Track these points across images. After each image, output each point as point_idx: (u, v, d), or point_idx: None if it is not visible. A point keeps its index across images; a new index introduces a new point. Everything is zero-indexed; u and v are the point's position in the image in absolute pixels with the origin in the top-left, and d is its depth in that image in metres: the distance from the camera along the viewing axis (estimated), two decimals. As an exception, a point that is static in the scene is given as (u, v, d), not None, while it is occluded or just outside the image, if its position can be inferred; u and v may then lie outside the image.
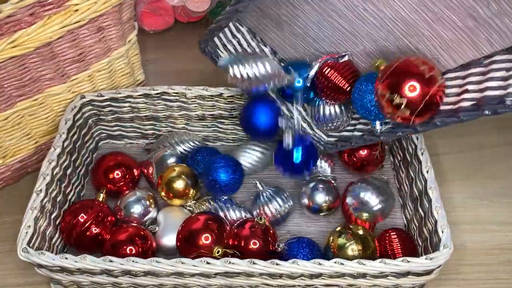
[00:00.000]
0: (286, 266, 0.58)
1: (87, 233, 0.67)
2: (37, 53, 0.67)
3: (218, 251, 0.63)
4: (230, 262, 0.58)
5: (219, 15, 0.69)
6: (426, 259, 0.58)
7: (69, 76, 0.73)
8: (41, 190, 0.65)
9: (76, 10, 0.66)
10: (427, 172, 0.67)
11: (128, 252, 0.65)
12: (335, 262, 0.58)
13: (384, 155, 0.77)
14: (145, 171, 0.77)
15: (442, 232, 0.60)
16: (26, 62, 0.67)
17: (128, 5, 0.74)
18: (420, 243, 0.67)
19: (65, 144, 0.72)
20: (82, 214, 0.67)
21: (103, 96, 0.77)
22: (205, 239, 0.65)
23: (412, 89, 0.59)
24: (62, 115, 0.75)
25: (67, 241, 0.69)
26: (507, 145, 0.83)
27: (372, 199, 0.68)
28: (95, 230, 0.67)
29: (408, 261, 0.58)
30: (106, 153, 0.79)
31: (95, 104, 0.77)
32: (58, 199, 0.69)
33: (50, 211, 0.67)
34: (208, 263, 0.58)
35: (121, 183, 0.75)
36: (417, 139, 0.70)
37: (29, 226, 0.61)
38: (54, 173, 0.68)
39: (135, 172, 0.77)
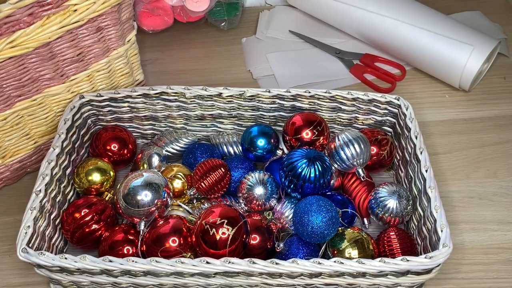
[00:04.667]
0: (286, 266, 0.58)
1: (87, 229, 0.67)
2: (36, 53, 0.67)
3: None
4: (229, 262, 0.58)
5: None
6: (425, 258, 0.58)
7: (68, 76, 0.73)
8: (40, 190, 0.65)
9: (75, 10, 0.66)
10: (426, 171, 0.67)
11: (125, 252, 0.65)
12: (334, 261, 0.58)
13: (393, 156, 0.77)
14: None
15: (442, 231, 0.60)
16: (25, 62, 0.67)
17: (127, 5, 0.74)
18: (420, 242, 0.67)
19: (64, 144, 0.71)
20: (85, 210, 0.68)
21: (102, 96, 0.76)
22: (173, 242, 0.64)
23: None
24: (61, 115, 0.75)
25: (67, 235, 0.68)
26: (506, 144, 0.83)
27: (398, 207, 0.69)
28: (95, 227, 0.67)
29: (408, 260, 0.58)
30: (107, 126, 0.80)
31: (94, 104, 0.77)
32: (57, 199, 0.69)
33: (50, 211, 0.67)
34: (207, 262, 0.58)
35: (117, 156, 0.77)
36: (416, 138, 0.70)
37: (29, 226, 0.61)
38: (53, 173, 0.68)
39: (130, 147, 0.78)
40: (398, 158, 0.77)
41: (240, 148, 0.78)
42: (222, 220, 0.62)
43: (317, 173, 0.68)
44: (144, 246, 0.65)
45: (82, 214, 0.67)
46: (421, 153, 0.69)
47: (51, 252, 0.65)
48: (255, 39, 1.00)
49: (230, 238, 0.61)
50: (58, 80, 0.72)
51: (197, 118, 0.80)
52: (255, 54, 0.97)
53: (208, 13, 0.96)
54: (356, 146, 0.70)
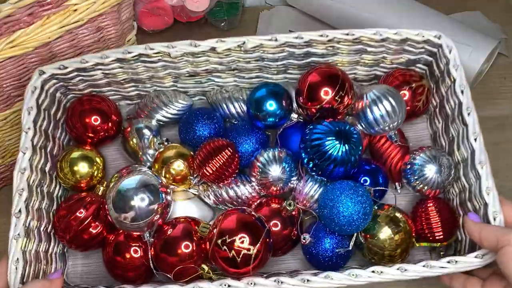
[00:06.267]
0: (319, 282, 0.53)
1: (86, 236, 0.63)
2: (36, 53, 0.67)
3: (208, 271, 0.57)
4: (254, 284, 0.53)
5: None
6: (476, 257, 0.53)
7: (68, 76, 0.73)
8: (20, 211, 0.57)
9: (75, 10, 0.66)
10: (476, 140, 0.57)
11: (133, 254, 0.62)
12: (373, 271, 0.54)
13: (429, 103, 0.67)
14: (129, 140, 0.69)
15: (494, 219, 0.55)
16: (25, 62, 0.67)
17: (127, 5, 0.74)
18: (461, 213, 0.61)
19: (35, 140, 0.62)
20: (79, 212, 0.63)
21: (67, 67, 0.65)
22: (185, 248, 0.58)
23: None
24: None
25: (63, 241, 0.65)
26: (506, 144, 0.83)
27: (437, 178, 0.62)
28: (94, 231, 0.63)
29: (456, 262, 0.53)
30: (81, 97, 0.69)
31: (59, 77, 0.67)
32: (43, 206, 0.63)
33: (37, 226, 0.60)
34: (229, 286, 0.53)
35: (101, 133, 0.68)
36: (462, 93, 0.60)
37: (17, 259, 0.55)
38: (31, 182, 0.60)
39: (114, 118, 0.69)
40: (435, 104, 0.67)
41: (245, 107, 0.67)
42: (242, 239, 0.54)
43: (349, 154, 0.58)
44: (153, 251, 0.60)
45: (77, 219, 0.62)
46: (468, 114, 0.59)
47: (51, 264, 0.62)
48: (255, 39, 1.00)
49: (253, 256, 0.55)
50: (58, 80, 0.72)
51: (189, 75, 0.69)
52: (255, 54, 0.97)
53: (208, 13, 0.96)
54: (388, 106, 0.60)
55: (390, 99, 0.60)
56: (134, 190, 0.58)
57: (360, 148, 0.60)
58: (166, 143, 0.66)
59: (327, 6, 0.96)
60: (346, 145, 0.58)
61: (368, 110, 0.60)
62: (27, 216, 0.58)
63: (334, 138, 0.58)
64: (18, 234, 0.57)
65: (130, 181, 0.59)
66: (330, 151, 0.58)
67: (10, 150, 0.75)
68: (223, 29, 1.00)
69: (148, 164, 0.68)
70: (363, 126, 0.62)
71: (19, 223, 0.57)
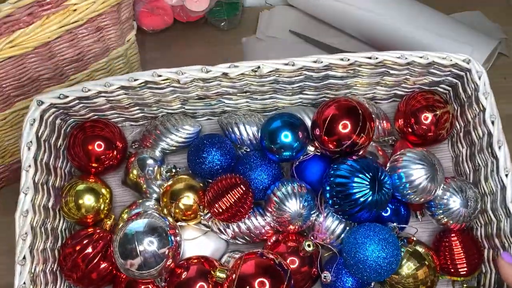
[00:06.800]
0: None
1: (95, 270, 0.59)
2: (36, 53, 0.67)
3: None
4: None
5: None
6: None
7: (67, 76, 0.73)
8: (25, 258, 0.54)
9: (75, 10, 0.66)
10: (507, 176, 0.54)
11: None
12: None
13: (453, 129, 0.64)
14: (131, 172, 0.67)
15: None
16: (25, 62, 0.67)
17: (127, 5, 0.74)
18: (486, 245, 0.59)
19: (36, 177, 0.59)
20: (89, 248, 0.59)
21: (67, 96, 0.61)
22: None
23: None
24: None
25: (70, 280, 0.61)
26: (507, 144, 0.83)
27: (463, 212, 0.58)
28: (104, 266, 0.59)
29: None
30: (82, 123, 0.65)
31: (58, 106, 0.64)
32: (48, 246, 0.60)
33: (43, 269, 0.57)
34: None
35: (105, 162, 0.64)
36: (493, 124, 0.57)
37: None
38: (34, 223, 0.57)
39: (119, 144, 0.65)
40: (458, 127, 0.64)
41: (258, 133, 0.63)
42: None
43: (380, 198, 0.55)
44: None
45: (85, 257, 0.58)
46: (499, 148, 0.56)
47: None
48: (255, 39, 1.00)
49: None
50: (57, 80, 0.72)
51: (198, 98, 0.66)
52: (255, 54, 0.97)
53: (208, 13, 0.96)
54: (418, 179, 0.57)
55: (423, 171, 0.57)
56: (141, 235, 0.55)
57: (391, 193, 0.56)
58: (174, 170, 0.63)
59: (327, 6, 0.96)
60: (379, 192, 0.54)
61: (395, 174, 0.57)
62: (32, 263, 0.55)
63: (366, 186, 0.54)
64: (24, 283, 0.53)
65: (136, 225, 0.56)
66: (360, 198, 0.54)
67: (9, 150, 0.74)
68: (223, 29, 1.01)
69: (155, 195, 0.65)
70: (395, 189, 0.59)
71: (24, 271, 0.54)
